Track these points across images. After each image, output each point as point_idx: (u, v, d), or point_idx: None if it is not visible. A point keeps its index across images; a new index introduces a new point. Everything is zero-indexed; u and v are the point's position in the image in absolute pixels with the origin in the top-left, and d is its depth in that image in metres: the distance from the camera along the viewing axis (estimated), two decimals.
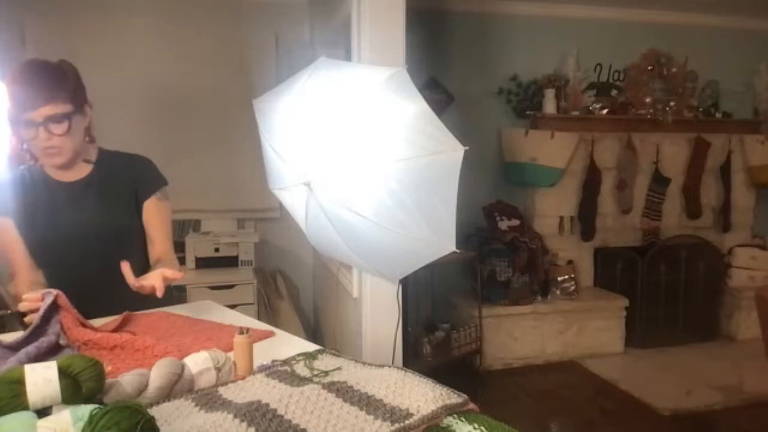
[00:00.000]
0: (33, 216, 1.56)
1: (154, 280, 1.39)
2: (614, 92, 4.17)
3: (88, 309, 1.32)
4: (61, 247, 1.55)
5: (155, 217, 1.65)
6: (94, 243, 1.56)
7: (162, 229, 1.66)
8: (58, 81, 1.47)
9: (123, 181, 1.62)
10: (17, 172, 1.61)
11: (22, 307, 1.29)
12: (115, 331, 1.31)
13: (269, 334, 1.32)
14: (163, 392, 0.91)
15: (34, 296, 1.29)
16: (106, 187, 1.60)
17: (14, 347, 1.15)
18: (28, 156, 1.57)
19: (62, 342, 1.17)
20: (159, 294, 1.37)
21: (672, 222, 4.24)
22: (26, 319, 1.29)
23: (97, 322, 1.36)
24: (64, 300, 1.26)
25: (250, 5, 3.64)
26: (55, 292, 1.26)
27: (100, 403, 0.81)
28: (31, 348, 1.09)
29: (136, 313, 1.49)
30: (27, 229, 1.56)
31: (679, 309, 4.11)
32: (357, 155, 1.53)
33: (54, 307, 1.23)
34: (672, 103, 4.03)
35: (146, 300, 1.51)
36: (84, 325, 1.27)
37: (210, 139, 3.57)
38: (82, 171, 1.61)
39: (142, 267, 1.58)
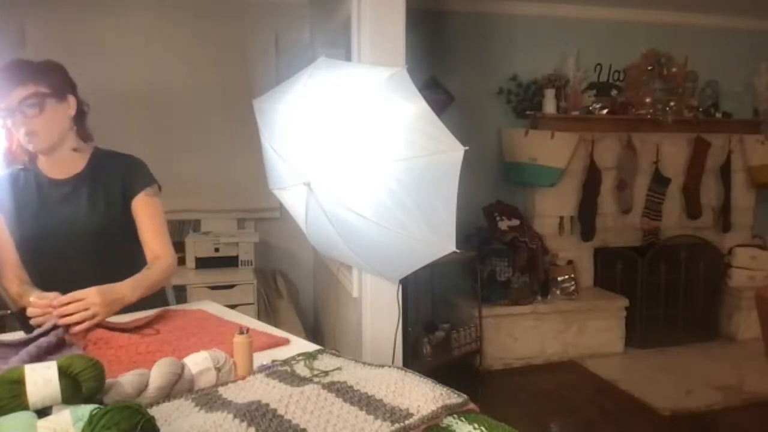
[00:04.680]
0: (23, 213, 1.56)
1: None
2: (614, 92, 4.16)
3: None
4: (50, 244, 1.55)
5: (143, 214, 1.62)
6: (82, 240, 1.56)
7: (151, 226, 1.62)
8: (32, 68, 1.49)
9: (112, 179, 1.61)
10: (12, 171, 1.61)
11: (31, 312, 1.30)
12: (147, 325, 1.32)
13: (284, 342, 1.27)
14: (163, 392, 0.91)
15: (42, 302, 1.29)
16: (95, 185, 1.60)
17: (14, 345, 1.15)
18: (26, 156, 1.57)
19: (67, 339, 1.18)
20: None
21: (672, 222, 4.24)
22: (32, 322, 1.29)
23: (125, 317, 1.37)
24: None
25: (250, 5, 3.64)
26: (53, 321, 1.24)
27: (100, 403, 0.81)
28: (32, 347, 1.09)
29: (174, 309, 1.50)
30: (17, 226, 1.56)
31: (679, 309, 4.10)
32: (357, 155, 1.53)
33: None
34: (672, 103, 4.02)
35: (137, 301, 1.50)
36: (108, 327, 1.26)
37: (210, 139, 3.57)
38: (74, 168, 1.60)
39: (133, 266, 1.55)
